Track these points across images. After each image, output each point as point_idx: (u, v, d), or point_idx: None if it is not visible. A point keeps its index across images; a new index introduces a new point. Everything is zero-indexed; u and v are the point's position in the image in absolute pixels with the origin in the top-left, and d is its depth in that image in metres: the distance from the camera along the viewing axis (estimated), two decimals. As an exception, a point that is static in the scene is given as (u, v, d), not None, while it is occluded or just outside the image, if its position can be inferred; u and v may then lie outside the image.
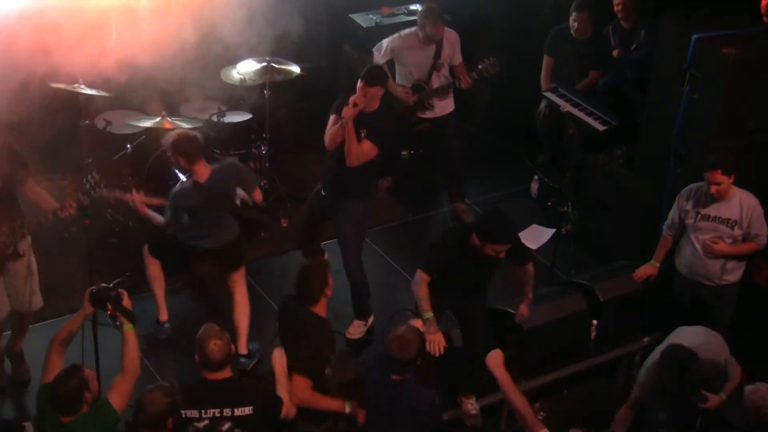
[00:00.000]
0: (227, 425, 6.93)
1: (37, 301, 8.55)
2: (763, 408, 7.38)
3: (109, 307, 7.02)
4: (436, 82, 10.71)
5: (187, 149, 8.39)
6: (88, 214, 8.25)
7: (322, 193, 9.25)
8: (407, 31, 10.71)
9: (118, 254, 9.83)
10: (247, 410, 7.02)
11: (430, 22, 10.37)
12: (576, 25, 11.09)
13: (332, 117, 8.88)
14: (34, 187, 8.48)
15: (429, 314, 7.98)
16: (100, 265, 8.90)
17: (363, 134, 8.76)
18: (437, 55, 10.60)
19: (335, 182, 9.13)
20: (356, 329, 9.44)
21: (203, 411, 6.92)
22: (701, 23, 9.49)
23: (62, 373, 6.65)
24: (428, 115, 10.90)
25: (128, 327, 7.01)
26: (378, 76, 8.96)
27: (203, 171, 8.64)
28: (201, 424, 6.92)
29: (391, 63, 10.65)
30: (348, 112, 8.57)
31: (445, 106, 10.91)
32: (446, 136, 11.11)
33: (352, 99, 8.63)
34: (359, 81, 8.77)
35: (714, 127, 9.30)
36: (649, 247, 9.36)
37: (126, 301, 7.10)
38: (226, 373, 7.04)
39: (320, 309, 7.65)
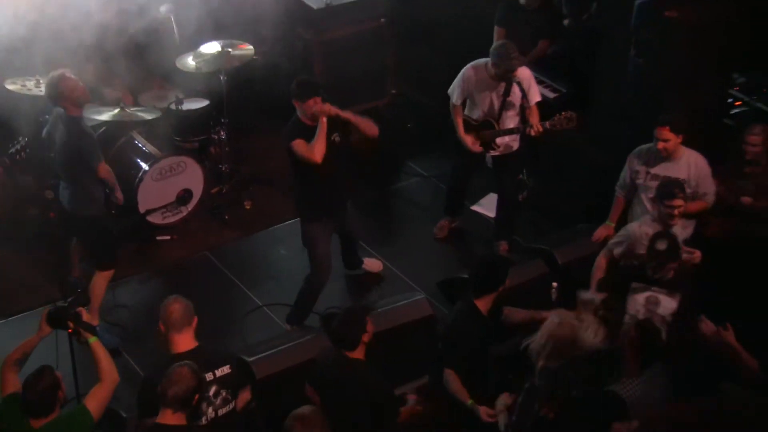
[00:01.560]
0: (213, 388, 6.99)
1: None
2: None
3: (70, 325, 7.03)
4: (508, 123, 10.10)
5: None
6: (53, 207, 8.60)
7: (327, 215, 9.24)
8: (479, 62, 10.01)
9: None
10: (227, 369, 7.09)
11: (495, 59, 9.72)
12: (526, -5, 11.27)
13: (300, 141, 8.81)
14: None
15: (470, 401, 7.81)
16: (66, 257, 9.10)
17: (336, 138, 8.90)
18: (507, 92, 9.96)
19: (342, 196, 9.31)
20: None
21: None
22: None
23: (33, 374, 6.58)
24: (494, 153, 10.29)
25: (93, 339, 7.02)
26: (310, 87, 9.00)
27: None
28: None
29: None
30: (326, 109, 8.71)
31: (510, 144, 10.23)
32: (505, 177, 10.51)
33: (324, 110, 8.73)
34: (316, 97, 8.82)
35: (659, 90, 9.60)
36: (605, 210, 9.55)
37: (85, 317, 7.14)
38: (194, 342, 7.08)
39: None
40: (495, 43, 9.96)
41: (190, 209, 10.32)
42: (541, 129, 9.80)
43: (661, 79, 9.67)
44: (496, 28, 11.36)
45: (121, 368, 8.26)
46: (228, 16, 10.04)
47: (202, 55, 10.62)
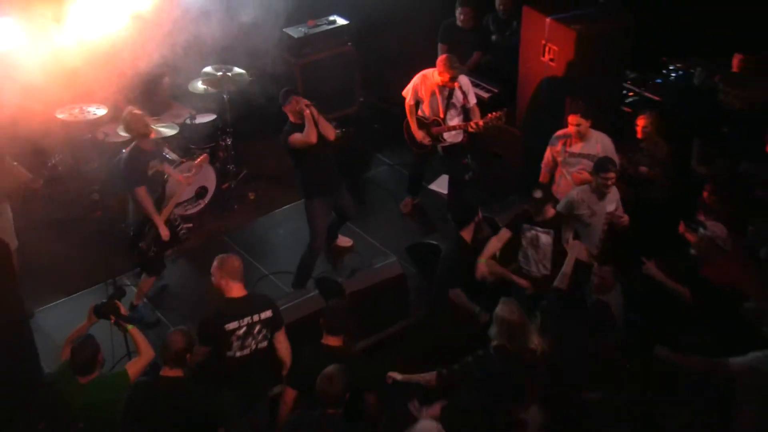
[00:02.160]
0: (257, 327, 7.18)
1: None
2: None
3: (112, 317, 7.23)
4: (451, 121, 10.19)
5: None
6: (100, 208, 8.73)
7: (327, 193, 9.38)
8: (427, 71, 10.13)
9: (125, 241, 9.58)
10: (269, 313, 7.26)
11: (440, 69, 9.84)
12: (461, 17, 11.41)
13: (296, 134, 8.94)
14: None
15: (477, 309, 8.10)
16: (109, 251, 9.17)
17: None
18: (450, 95, 10.08)
19: (335, 178, 9.46)
20: None
21: (240, 321, 7.13)
22: (553, 8, 9.96)
23: (79, 343, 6.72)
24: (441, 145, 10.40)
25: (130, 327, 7.18)
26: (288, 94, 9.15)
27: None
28: (241, 331, 7.13)
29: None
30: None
31: (455, 136, 10.34)
32: (454, 162, 10.68)
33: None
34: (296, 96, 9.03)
35: (569, 87, 9.74)
36: (534, 183, 9.40)
37: (123, 311, 7.30)
38: (244, 291, 7.28)
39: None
40: (440, 56, 10.07)
41: (206, 202, 10.42)
42: (481, 125, 9.94)
43: (569, 79, 9.81)
44: (439, 44, 11.50)
45: (162, 332, 8.70)
46: (228, 46, 10.07)
47: (207, 74, 10.63)
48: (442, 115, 10.17)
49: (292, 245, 9.99)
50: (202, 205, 10.52)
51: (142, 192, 8.81)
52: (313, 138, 8.91)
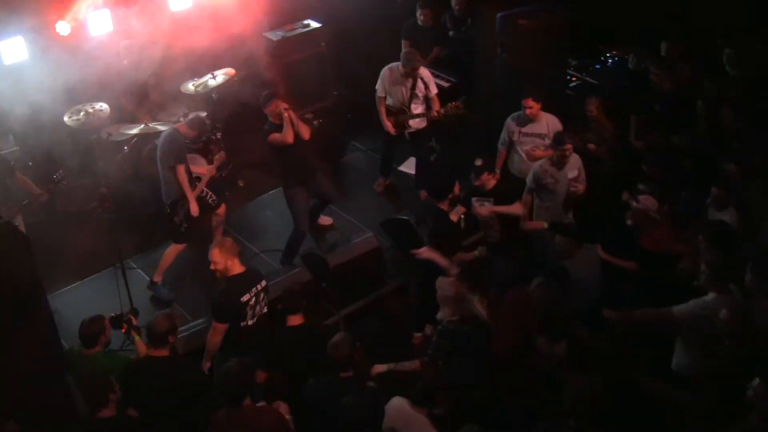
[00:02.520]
0: (261, 295, 7.39)
1: None
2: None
3: (124, 326, 7.41)
4: (416, 109, 10.25)
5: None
6: (108, 199, 8.73)
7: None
8: (392, 65, 10.22)
9: (131, 228, 9.89)
10: (264, 282, 7.48)
11: (404, 62, 10.02)
12: (422, 17, 11.42)
13: (275, 134, 8.99)
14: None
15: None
16: (119, 237, 9.01)
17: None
18: (413, 86, 10.14)
19: (310, 168, 9.42)
20: None
21: (250, 292, 7.29)
22: (502, 6, 10.06)
23: (88, 318, 6.88)
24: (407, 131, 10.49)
25: (137, 337, 7.32)
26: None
27: None
28: (252, 301, 7.30)
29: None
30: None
31: (419, 123, 10.43)
32: (419, 146, 10.76)
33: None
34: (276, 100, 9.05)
35: (519, 75, 9.82)
36: (490, 162, 9.57)
37: (134, 322, 7.49)
38: (242, 267, 7.38)
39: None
40: (403, 51, 10.17)
41: (223, 199, 10.10)
42: (443, 112, 10.04)
43: (519, 68, 9.87)
44: (403, 41, 11.46)
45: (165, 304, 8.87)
46: (216, 50, 10.09)
47: (197, 77, 10.55)
48: (408, 104, 10.19)
49: (279, 225, 10.00)
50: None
51: (182, 169, 8.98)
52: (290, 138, 8.98)
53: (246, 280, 7.35)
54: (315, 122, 10.86)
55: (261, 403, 6.58)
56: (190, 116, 9.46)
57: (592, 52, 11.35)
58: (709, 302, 6.68)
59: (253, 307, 7.38)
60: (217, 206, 9.61)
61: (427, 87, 10.17)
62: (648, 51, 10.22)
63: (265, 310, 7.49)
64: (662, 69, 9.71)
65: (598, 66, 11.32)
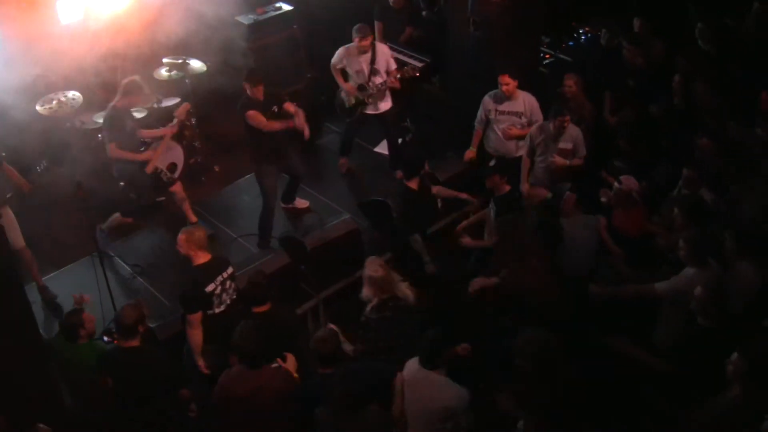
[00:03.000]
0: (228, 282, 7.40)
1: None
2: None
3: (112, 338, 7.57)
4: (375, 84, 10.23)
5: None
6: (83, 188, 8.66)
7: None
8: (350, 44, 10.18)
9: (107, 216, 9.69)
10: (231, 270, 7.51)
11: (358, 35, 9.98)
12: (393, -3, 11.39)
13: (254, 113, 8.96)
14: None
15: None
16: (94, 227, 8.97)
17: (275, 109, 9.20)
18: (372, 61, 10.13)
19: (282, 145, 9.37)
20: None
21: (215, 282, 7.30)
22: None
23: (69, 312, 7.08)
24: (371, 111, 10.42)
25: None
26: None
27: None
28: (217, 290, 7.30)
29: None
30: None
31: (384, 104, 10.42)
32: (389, 126, 10.69)
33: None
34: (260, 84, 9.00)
35: (492, 53, 9.75)
36: (466, 140, 9.81)
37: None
38: (209, 255, 7.39)
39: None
40: (356, 25, 10.15)
41: (177, 176, 10.08)
42: (398, 76, 10.16)
43: (492, 46, 9.82)
44: (375, 22, 11.42)
45: (143, 291, 8.93)
46: (188, 35, 9.93)
47: (169, 62, 10.55)
48: (367, 79, 10.23)
49: (256, 210, 9.93)
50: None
51: (113, 147, 9.07)
52: (267, 127, 9.00)
53: (210, 270, 7.34)
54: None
55: (275, 364, 6.57)
56: (124, 82, 9.26)
57: (565, 28, 11.35)
58: (690, 277, 6.74)
59: (219, 296, 7.38)
60: (171, 184, 9.60)
61: (387, 62, 10.24)
62: (619, 26, 10.22)
63: (234, 296, 7.48)
64: (635, 45, 9.73)
65: (571, 43, 11.36)
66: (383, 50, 10.27)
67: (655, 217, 8.18)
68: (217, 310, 7.37)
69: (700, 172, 7.82)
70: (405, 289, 7.16)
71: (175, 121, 9.64)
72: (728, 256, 6.83)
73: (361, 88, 10.28)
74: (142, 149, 9.53)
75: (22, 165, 9.25)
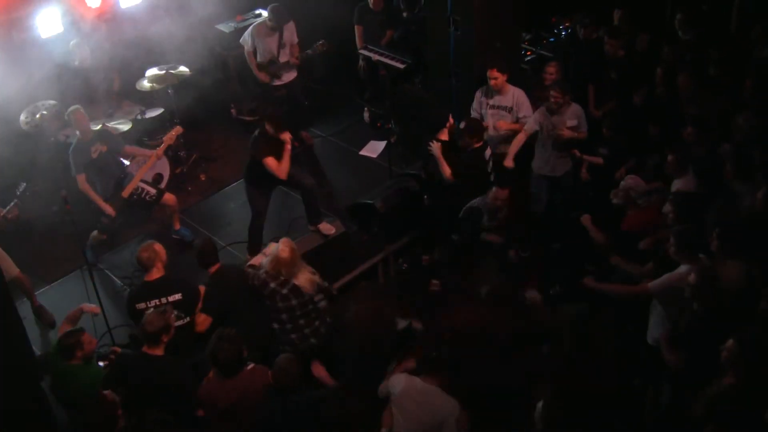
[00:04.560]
0: (168, 307, 6.99)
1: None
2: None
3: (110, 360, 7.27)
4: (283, 58, 10.74)
5: None
6: (69, 202, 8.60)
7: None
8: (258, 21, 10.85)
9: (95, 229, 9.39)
10: (178, 296, 7.24)
11: (274, 17, 10.48)
12: (373, 2, 11.40)
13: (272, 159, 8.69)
14: None
15: None
16: (82, 241, 8.85)
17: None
18: (281, 38, 10.67)
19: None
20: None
21: (147, 302, 7.17)
22: None
23: (66, 332, 6.87)
24: (278, 83, 10.87)
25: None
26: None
27: None
28: (148, 311, 6.87)
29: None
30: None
31: (290, 75, 10.94)
32: (295, 95, 11.11)
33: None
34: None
35: (473, 51, 9.77)
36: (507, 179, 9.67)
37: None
38: (160, 273, 7.27)
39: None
40: (270, 6, 10.58)
41: (163, 186, 10.04)
42: (310, 53, 10.82)
43: (473, 44, 9.81)
44: (355, 26, 11.50)
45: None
46: (168, 44, 10.00)
47: (152, 73, 10.50)
48: (276, 56, 10.65)
49: (243, 217, 9.82)
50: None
51: (81, 179, 8.96)
52: (284, 176, 8.79)
53: (151, 290, 7.26)
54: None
55: (250, 365, 6.54)
56: (69, 110, 9.08)
57: (545, 24, 11.35)
58: (683, 273, 6.69)
59: None
60: (158, 199, 9.52)
61: (291, 36, 10.68)
62: (600, 20, 10.25)
63: (183, 321, 7.26)
64: (615, 38, 9.73)
65: (552, 39, 11.34)
66: (289, 27, 10.69)
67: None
68: None
69: (685, 158, 7.79)
70: (302, 278, 7.36)
71: (163, 145, 9.45)
72: (715, 253, 6.79)
73: (271, 63, 10.74)
74: (126, 163, 9.47)
75: (6, 182, 9.19)
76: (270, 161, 8.69)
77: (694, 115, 8.35)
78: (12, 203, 8.79)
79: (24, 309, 8.57)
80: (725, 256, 6.68)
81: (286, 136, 8.71)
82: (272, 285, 7.42)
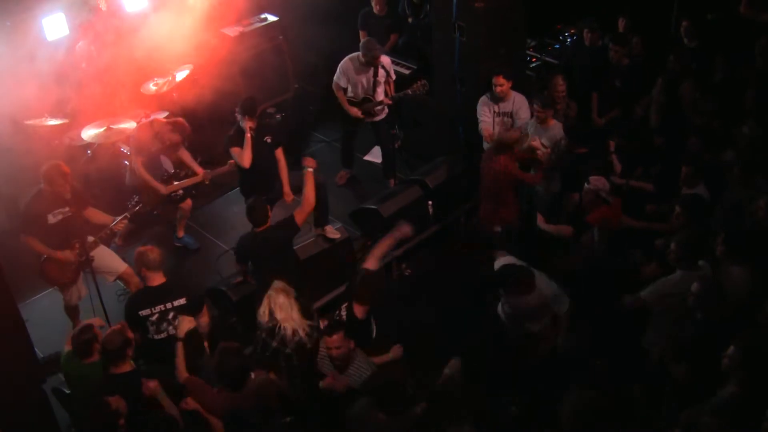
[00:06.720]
0: (172, 314, 7.14)
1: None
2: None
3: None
4: (378, 96, 10.18)
5: None
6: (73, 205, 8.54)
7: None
8: (352, 55, 10.10)
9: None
10: (182, 300, 7.20)
11: (364, 52, 9.89)
12: (377, 6, 11.46)
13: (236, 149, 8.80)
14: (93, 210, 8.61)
15: None
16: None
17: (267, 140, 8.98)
18: (375, 74, 10.07)
19: (269, 176, 9.20)
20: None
21: (152, 308, 7.13)
22: None
23: (77, 329, 6.81)
24: (368, 119, 10.36)
25: None
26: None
27: None
28: (154, 317, 7.12)
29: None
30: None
31: (382, 114, 10.36)
32: (381, 133, 10.56)
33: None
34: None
35: (478, 57, 9.75)
36: (455, 145, 9.88)
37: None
38: (162, 279, 7.24)
39: None
40: (362, 41, 10.07)
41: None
42: (409, 93, 10.02)
43: (478, 50, 9.78)
44: (360, 31, 11.50)
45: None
46: (174, 49, 10.06)
47: (158, 77, 10.47)
48: (371, 93, 10.16)
49: (246, 221, 9.71)
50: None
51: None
52: (247, 163, 8.82)
53: (154, 296, 7.20)
54: (277, 116, 10.70)
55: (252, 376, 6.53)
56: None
57: (550, 31, 11.35)
58: (677, 280, 6.71)
59: (156, 323, 7.18)
60: (182, 200, 9.58)
61: (387, 74, 10.14)
62: (604, 27, 10.27)
63: (174, 330, 7.19)
64: (620, 45, 9.74)
65: (557, 45, 11.35)
66: (385, 62, 10.15)
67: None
68: (155, 336, 7.21)
69: (699, 170, 7.78)
70: (296, 325, 7.05)
71: (210, 174, 9.56)
72: (719, 258, 6.79)
73: (366, 100, 10.20)
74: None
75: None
76: (234, 151, 8.83)
77: (698, 124, 8.35)
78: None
79: (27, 310, 8.55)
80: (730, 262, 6.67)
81: (249, 123, 8.74)
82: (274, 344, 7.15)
